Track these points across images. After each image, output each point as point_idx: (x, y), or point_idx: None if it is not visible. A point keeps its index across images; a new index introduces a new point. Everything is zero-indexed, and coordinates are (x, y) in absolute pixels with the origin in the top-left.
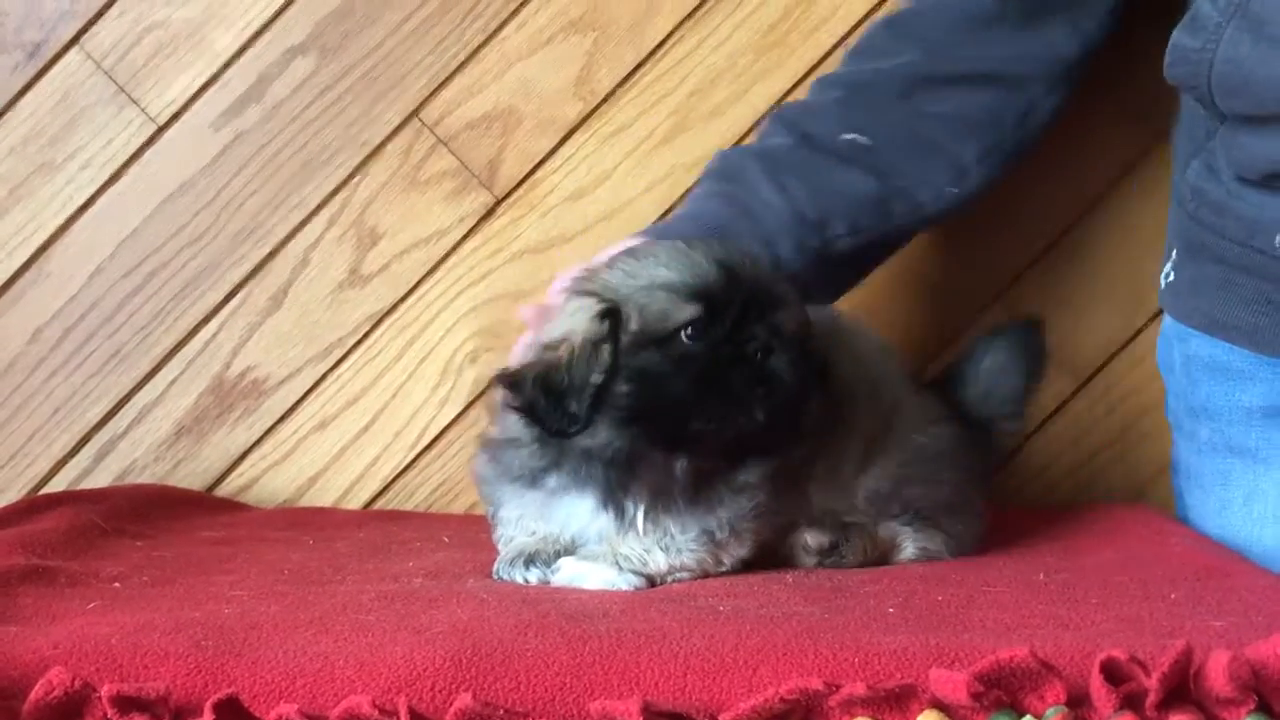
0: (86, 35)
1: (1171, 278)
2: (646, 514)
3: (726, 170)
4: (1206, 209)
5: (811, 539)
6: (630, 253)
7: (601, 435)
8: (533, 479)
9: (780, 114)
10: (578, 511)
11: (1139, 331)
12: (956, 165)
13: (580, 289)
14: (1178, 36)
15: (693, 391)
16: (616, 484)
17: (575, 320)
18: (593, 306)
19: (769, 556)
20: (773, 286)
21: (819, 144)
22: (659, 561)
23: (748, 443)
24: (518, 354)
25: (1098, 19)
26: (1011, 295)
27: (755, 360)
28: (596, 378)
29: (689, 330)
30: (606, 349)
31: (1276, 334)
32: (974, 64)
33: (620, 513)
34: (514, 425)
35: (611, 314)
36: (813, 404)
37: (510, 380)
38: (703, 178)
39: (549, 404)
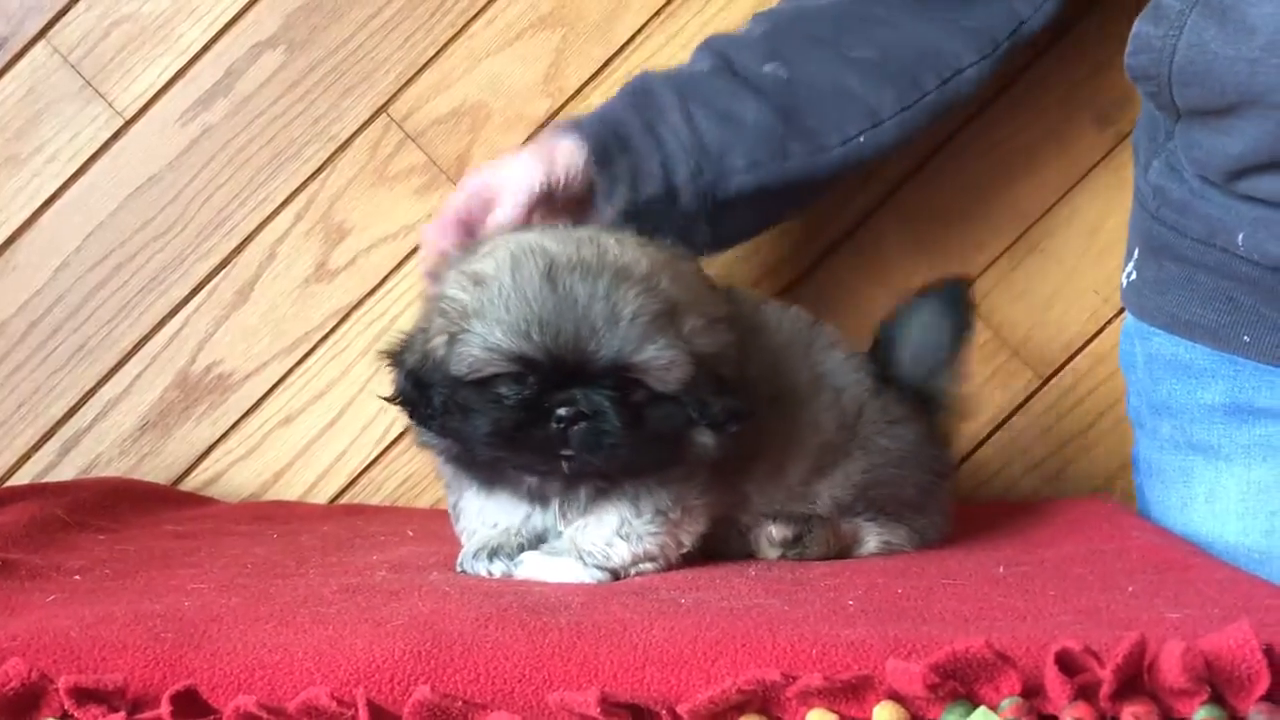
0: (54, 29)
1: (1134, 276)
2: (564, 506)
3: (642, 88)
4: (1168, 208)
5: (776, 531)
6: (509, 274)
7: (443, 440)
8: (457, 475)
9: (709, 41)
10: (514, 502)
11: (1102, 328)
12: (871, 114)
13: (454, 298)
14: (1139, 25)
15: (502, 435)
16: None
17: (435, 337)
18: (444, 330)
19: (729, 546)
20: (593, 357)
21: (737, 72)
22: (621, 552)
23: (585, 474)
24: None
25: (1034, 4)
26: (975, 291)
27: (555, 424)
28: (438, 393)
29: (507, 379)
30: (445, 368)
31: (1238, 331)
32: (905, 13)
33: (546, 506)
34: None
35: (452, 340)
36: (645, 451)
37: (391, 366)
38: (620, 92)
39: (417, 394)
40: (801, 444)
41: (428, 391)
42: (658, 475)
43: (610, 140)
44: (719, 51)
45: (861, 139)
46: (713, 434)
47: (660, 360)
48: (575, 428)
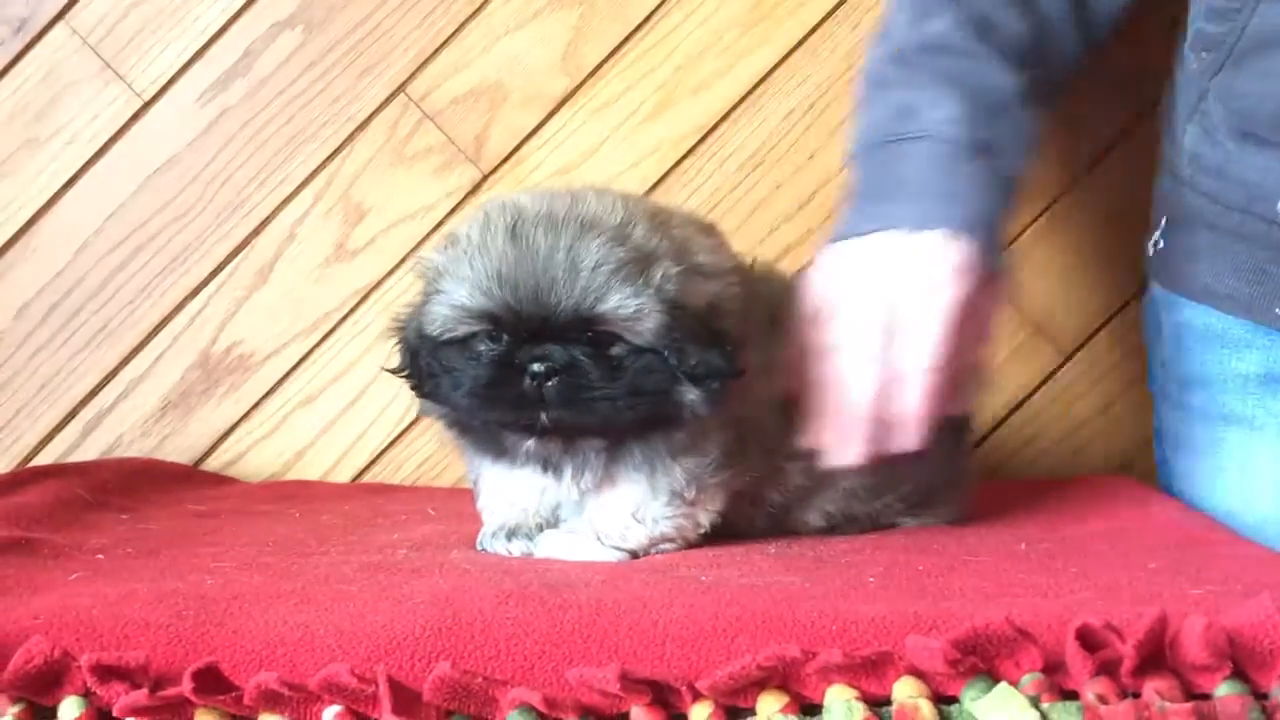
0: (72, 10)
1: (1160, 245)
2: (591, 475)
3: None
4: (1205, 175)
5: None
6: (480, 234)
7: (440, 407)
8: (476, 449)
9: None
10: (530, 476)
11: (1124, 305)
12: None
13: (421, 265)
14: None
15: (479, 392)
16: (541, 450)
17: (419, 299)
18: (423, 291)
19: (755, 527)
20: (554, 309)
21: None
22: (638, 535)
23: (572, 432)
24: None
25: None
26: None
27: (530, 380)
28: (424, 356)
29: (483, 336)
30: (419, 327)
31: (1270, 303)
32: None
33: (559, 476)
34: None
35: (428, 298)
36: (626, 405)
37: (398, 339)
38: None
39: (412, 362)
40: None
41: (418, 358)
42: (650, 433)
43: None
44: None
45: None
46: (696, 389)
47: (625, 310)
48: (550, 382)
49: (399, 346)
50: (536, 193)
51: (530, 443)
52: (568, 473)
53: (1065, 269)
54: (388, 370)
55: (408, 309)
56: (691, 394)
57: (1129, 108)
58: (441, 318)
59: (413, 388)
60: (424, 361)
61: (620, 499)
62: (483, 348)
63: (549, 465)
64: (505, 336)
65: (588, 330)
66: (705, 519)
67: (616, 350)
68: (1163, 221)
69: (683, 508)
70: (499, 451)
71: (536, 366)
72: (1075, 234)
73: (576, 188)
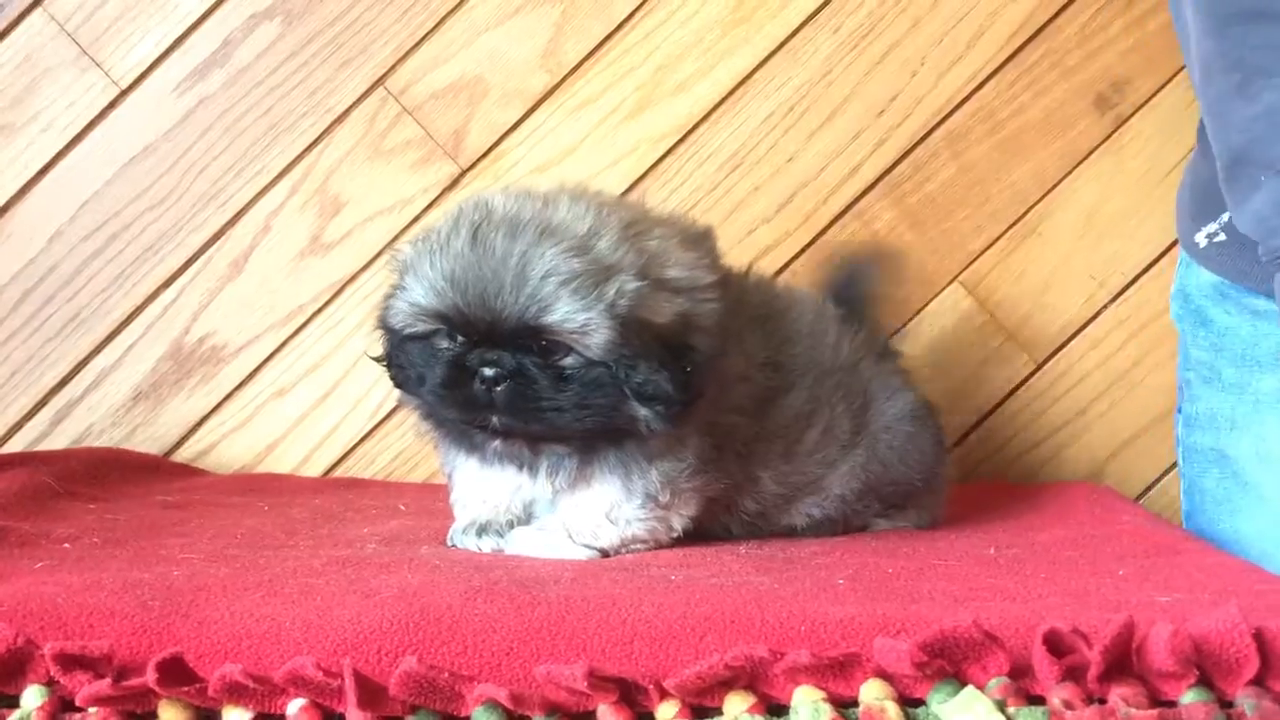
0: None
1: (1221, 238)
2: (550, 474)
3: None
4: None
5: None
6: (449, 232)
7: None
8: (451, 445)
9: None
10: (505, 473)
11: (1098, 313)
12: None
13: (393, 258)
14: None
15: (439, 385)
16: (515, 448)
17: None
18: (392, 283)
19: (730, 535)
20: (500, 316)
21: None
22: (610, 535)
23: (520, 438)
24: None
25: None
26: (971, 275)
27: (479, 384)
28: (393, 349)
29: (444, 334)
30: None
31: None
32: None
33: (534, 474)
34: None
35: (392, 293)
36: (572, 416)
37: (383, 333)
38: None
39: (387, 356)
40: (814, 423)
41: (391, 351)
42: (605, 444)
43: None
44: None
45: None
46: (645, 408)
47: (571, 323)
48: (499, 388)
49: (382, 336)
50: (513, 193)
51: (496, 442)
52: (542, 471)
53: (1039, 277)
54: (371, 357)
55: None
56: (643, 410)
57: (1108, 114)
58: (401, 313)
59: (391, 377)
60: (392, 353)
61: (594, 499)
62: (443, 345)
63: (523, 464)
64: (460, 338)
65: (535, 340)
66: (678, 523)
67: (568, 361)
68: (1224, 216)
69: (656, 510)
70: (471, 447)
71: (486, 371)
72: (1051, 241)
73: (555, 190)
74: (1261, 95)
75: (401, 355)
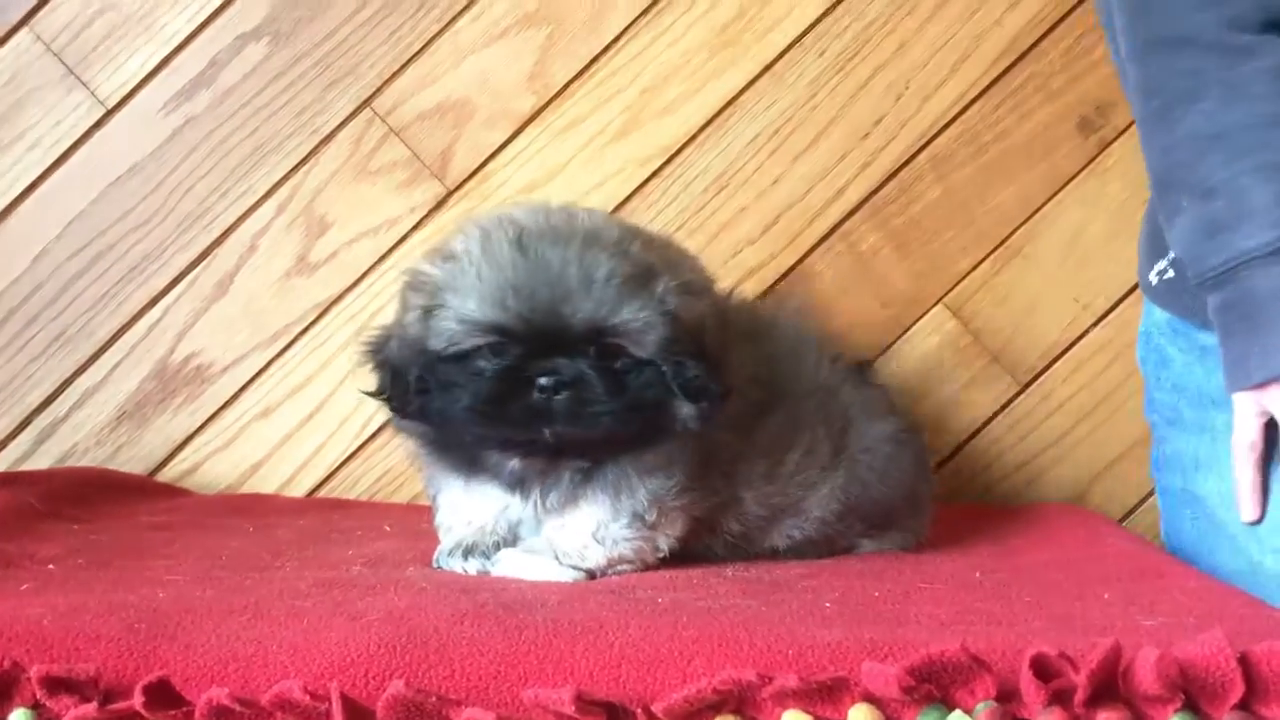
0: (37, 16)
1: (1169, 274)
2: (544, 494)
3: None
4: None
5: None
6: (483, 248)
7: (421, 425)
8: (439, 461)
9: None
10: (492, 493)
11: (1082, 335)
12: None
13: (417, 280)
14: None
15: (483, 408)
16: (510, 468)
17: (409, 314)
18: (419, 302)
19: (713, 554)
20: (570, 320)
21: None
22: (596, 555)
23: (572, 448)
24: None
25: None
26: (955, 298)
27: (538, 394)
28: (414, 372)
29: (486, 350)
30: (421, 345)
31: None
32: None
33: (526, 494)
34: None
35: (428, 314)
36: (628, 420)
37: (370, 358)
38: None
39: (392, 384)
40: (795, 445)
41: (404, 376)
42: (642, 449)
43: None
44: None
45: None
46: (692, 405)
47: (637, 322)
48: (558, 396)
49: (376, 368)
50: (526, 208)
51: (515, 462)
52: (535, 492)
53: (1024, 299)
54: (367, 394)
55: (379, 330)
56: (686, 408)
57: (1091, 137)
58: (449, 332)
59: (394, 409)
60: (413, 379)
61: (582, 519)
62: (484, 362)
63: (518, 484)
64: (513, 350)
65: (600, 342)
66: (664, 543)
67: (618, 364)
68: (1171, 252)
69: (643, 530)
70: (474, 470)
71: (545, 380)
72: (1034, 263)
73: (556, 205)
74: (1182, 121)
75: (428, 379)
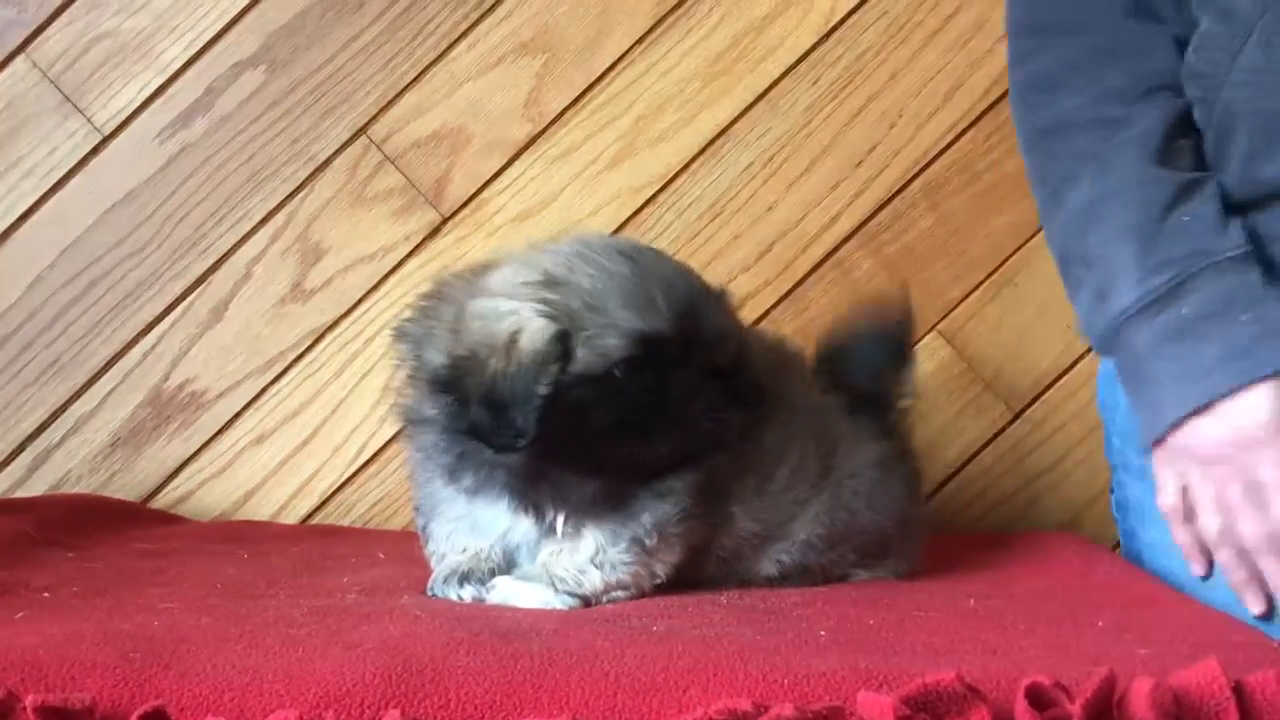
0: (34, 43)
1: None
2: (567, 519)
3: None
4: None
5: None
6: (592, 265)
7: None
8: (451, 473)
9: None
10: (497, 515)
11: (1075, 362)
12: None
13: (539, 299)
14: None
15: (607, 427)
16: (524, 486)
17: (529, 337)
18: (548, 329)
19: (704, 574)
20: (711, 322)
21: None
22: (594, 580)
23: (656, 465)
24: None
25: None
26: (949, 324)
27: (677, 403)
28: (543, 389)
29: (622, 366)
30: (554, 369)
31: None
32: None
33: (540, 516)
34: (426, 401)
35: (564, 338)
36: (731, 431)
37: (455, 398)
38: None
39: (494, 420)
40: (784, 460)
41: (507, 412)
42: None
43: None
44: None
45: None
46: (745, 412)
47: (738, 327)
48: (694, 401)
49: (475, 407)
50: (570, 240)
51: (595, 485)
52: (549, 515)
53: (1016, 327)
54: (463, 433)
55: (446, 367)
56: (739, 414)
57: None
58: (605, 348)
59: (500, 446)
60: (534, 409)
61: (582, 544)
62: (623, 376)
63: (530, 507)
64: (661, 358)
65: (722, 347)
66: (661, 570)
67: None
68: None
69: (641, 556)
70: (558, 497)
71: (704, 391)
72: (1026, 292)
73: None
74: (1066, 201)
75: (559, 407)
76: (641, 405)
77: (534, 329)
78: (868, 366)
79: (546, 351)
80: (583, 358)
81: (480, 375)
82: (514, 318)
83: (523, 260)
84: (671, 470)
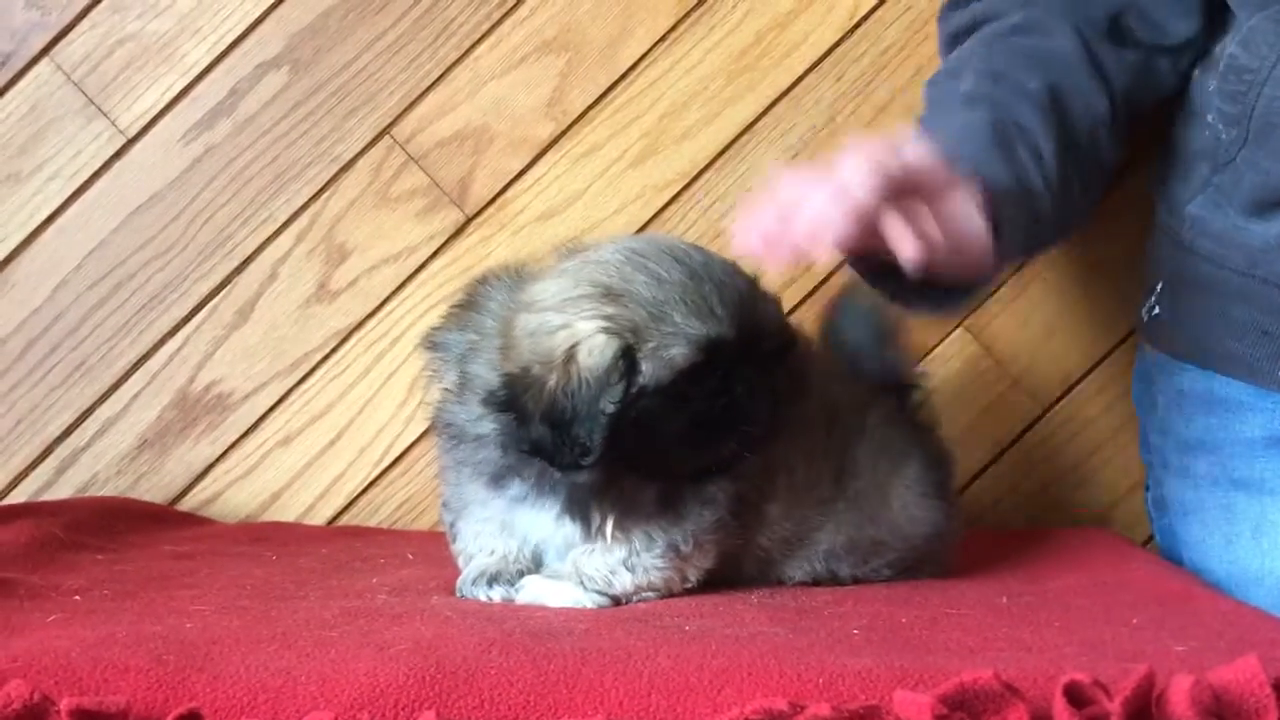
0: (57, 46)
1: (1156, 311)
2: (617, 524)
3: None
4: (1206, 239)
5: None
6: (645, 273)
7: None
8: (495, 480)
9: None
10: (540, 520)
11: (1103, 358)
12: None
13: (598, 314)
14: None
15: (676, 433)
16: (584, 495)
17: (588, 352)
18: (611, 344)
19: (741, 573)
20: (764, 319)
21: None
22: (624, 581)
23: (723, 464)
24: None
25: None
26: (976, 321)
27: (742, 400)
28: (609, 407)
29: (687, 373)
30: (621, 387)
31: (1272, 365)
32: None
33: (586, 523)
34: (480, 419)
35: (628, 352)
36: (781, 426)
37: (517, 416)
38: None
39: (557, 438)
40: (814, 461)
41: (570, 429)
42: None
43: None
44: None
45: None
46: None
47: (787, 332)
48: (755, 397)
49: (536, 425)
50: (614, 245)
51: (654, 490)
52: (596, 520)
53: (1044, 322)
54: (527, 451)
55: (499, 385)
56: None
57: None
58: (671, 356)
59: (566, 465)
60: (596, 428)
61: (615, 545)
62: (686, 385)
63: (579, 514)
64: (723, 362)
65: (780, 345)
66: (694, 575)
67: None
68: (1159, 287)
69: (675, 561)
70: (612, 503)
71: (764, 384)
72: (1054, 287)
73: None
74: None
75: (627, 420)
76: (708, 408)
77: (594, 345)
78: (858, 347)
79: (611, 368)
80: (649, 370)
81: (538, 392)
82: (566, 331)
83: (568, 271)
84: (736, 465)
